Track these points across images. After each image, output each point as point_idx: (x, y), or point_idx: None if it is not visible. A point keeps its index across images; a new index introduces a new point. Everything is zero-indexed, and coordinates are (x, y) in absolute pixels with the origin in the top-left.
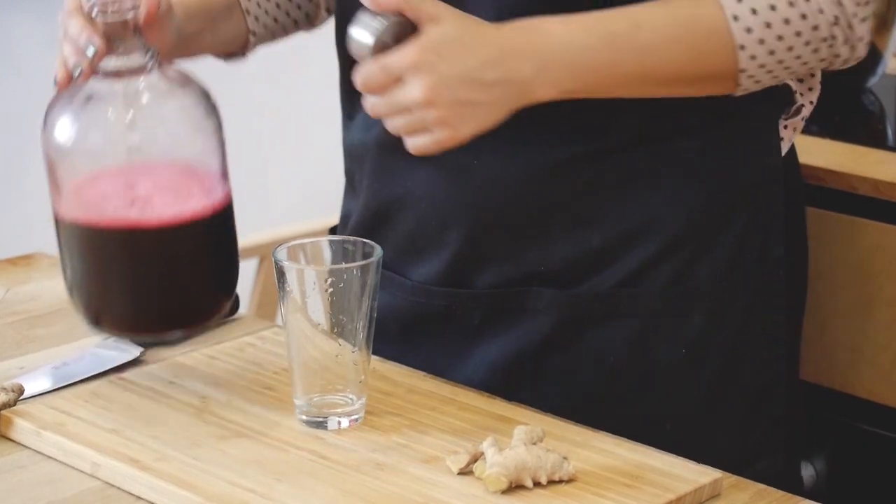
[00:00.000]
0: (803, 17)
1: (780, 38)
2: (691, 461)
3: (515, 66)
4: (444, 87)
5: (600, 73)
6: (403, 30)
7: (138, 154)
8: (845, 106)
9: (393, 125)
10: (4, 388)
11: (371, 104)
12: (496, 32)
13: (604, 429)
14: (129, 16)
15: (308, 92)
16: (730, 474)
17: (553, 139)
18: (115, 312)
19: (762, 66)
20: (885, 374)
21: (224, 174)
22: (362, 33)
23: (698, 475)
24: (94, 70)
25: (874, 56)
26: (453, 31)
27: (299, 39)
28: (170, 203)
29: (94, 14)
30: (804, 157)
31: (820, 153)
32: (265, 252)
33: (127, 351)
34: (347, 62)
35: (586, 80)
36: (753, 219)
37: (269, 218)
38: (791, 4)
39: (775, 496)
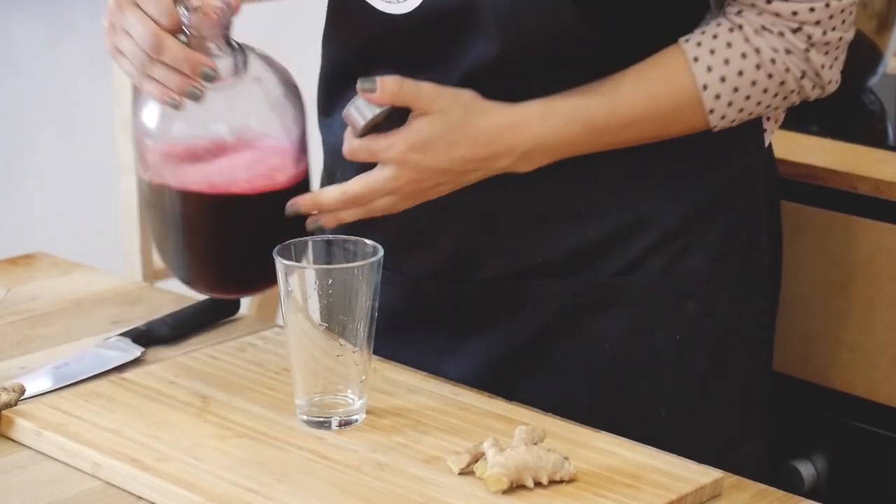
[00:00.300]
0: (770, 76)
1: (748, 97)
2: (692, 461)
3: (495, 161)
4: (427, 179)
5: (578, 151)
6: (397, 111)
7: (229, 138)
8: (846, 105)
9: (372, 207)
10: (5, 388)
11: (349, 186)
12: (479, 128)
13: (600, 417)
14: (226, 21)
15: (310, 92)
16: (730, 474)
17: None
18: (200, 273)
19: (732, 120)
20: (885, 373)
21: (305, 149)
22: (359, 111)
23: (699, 475)
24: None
25: (874, 56)
26: (440, 129)
27: (298, 41)
28: (257, 179)
29: (188, 31)
30: (805, 157)
31: (820, 153)
32: None
33: (128, 351)
34: (330, 62)
35: (563, 156)
36: (741, 207)
37: None
38: (758, 67)
39: (776, 496)
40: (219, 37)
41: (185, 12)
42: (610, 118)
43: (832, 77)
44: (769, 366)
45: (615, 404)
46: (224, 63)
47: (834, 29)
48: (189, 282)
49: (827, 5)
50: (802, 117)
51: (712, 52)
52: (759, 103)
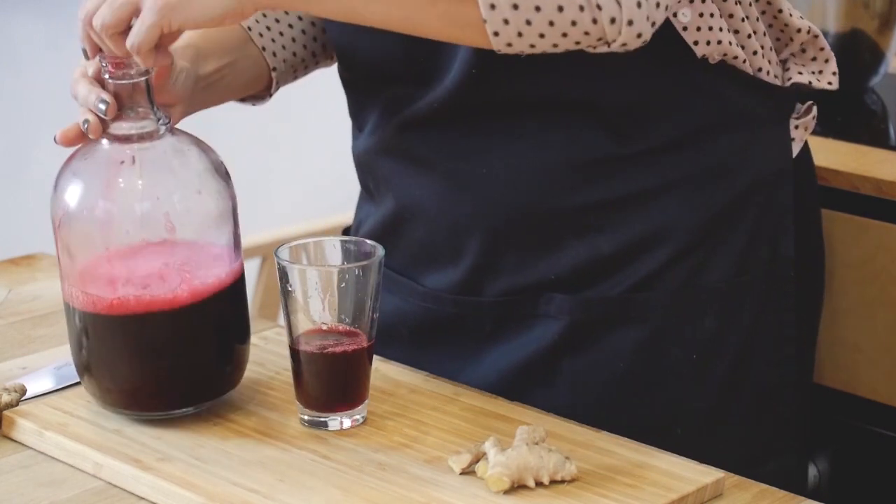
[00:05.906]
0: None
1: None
2: (693, 461)
3: None
4: None
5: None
6: None
7: (149, 225)
8: (848, 105)
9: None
10: (7, 389)
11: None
12: None
13: (613, 433)
14: (141, 80)
15: (312, 94)
16: (731, 474)
17: (564, 150)
18: (127, 392)
19: (507, 21)
20: (888, 373)
21: (237, 244)
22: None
23: (700, 475)
24: (104, 127)
25: (876, 56)
26: None
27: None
28: (182, 281)
29: (104, 76)
30: None
31: (823, 153)
32: (267, 252)
33: None
34: (349, 85)
35: None
36: (762, 218)
37: (272, 218)
38: None
39: (777, 496)
40: (135, 97)
41: (105, 66)
42: None
43: (632, 17)
44: (800, 381)
45: (629, 420)
46: (140, 124)
47: None
48: (110, 402)
49: None
50: None
51: None
52: (538, 8)
